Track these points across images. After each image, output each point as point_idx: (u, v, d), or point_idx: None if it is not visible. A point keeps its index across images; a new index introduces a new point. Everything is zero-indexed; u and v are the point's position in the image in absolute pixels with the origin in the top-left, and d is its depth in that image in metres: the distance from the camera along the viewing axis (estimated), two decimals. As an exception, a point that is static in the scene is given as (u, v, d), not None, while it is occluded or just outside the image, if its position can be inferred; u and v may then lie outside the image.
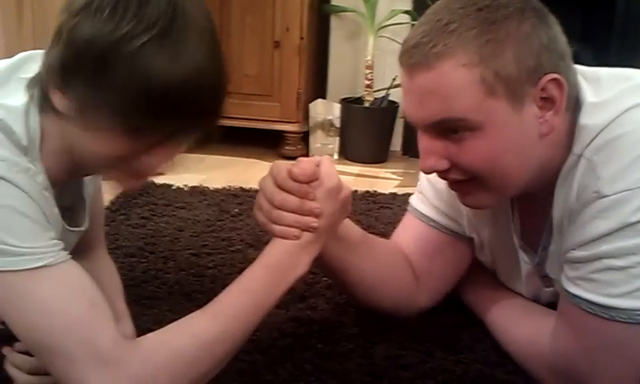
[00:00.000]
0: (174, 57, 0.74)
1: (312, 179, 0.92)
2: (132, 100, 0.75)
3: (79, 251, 1.08)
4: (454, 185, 0.96)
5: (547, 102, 0.87)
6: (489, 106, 0.85)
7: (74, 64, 0.76)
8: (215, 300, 0.88)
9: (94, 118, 0.78)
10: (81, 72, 0.76)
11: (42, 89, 0.82)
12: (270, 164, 0.96)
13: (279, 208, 0.91)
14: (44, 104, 0.82)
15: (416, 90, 0.89)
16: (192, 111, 0.78)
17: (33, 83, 0.83)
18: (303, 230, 0.91)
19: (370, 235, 1.15)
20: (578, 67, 0.94)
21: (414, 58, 0.87)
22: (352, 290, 1.15)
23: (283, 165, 0.93)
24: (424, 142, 0.91)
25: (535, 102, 0.87)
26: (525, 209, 1.03)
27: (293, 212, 0.91)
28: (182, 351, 0.82)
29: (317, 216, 0.92)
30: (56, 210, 0.86)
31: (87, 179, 1.01)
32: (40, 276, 0.78)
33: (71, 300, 0.79)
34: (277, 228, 0.91)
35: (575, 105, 0.90)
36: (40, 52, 0.84)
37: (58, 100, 0.79)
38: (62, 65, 0.77)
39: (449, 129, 0.88)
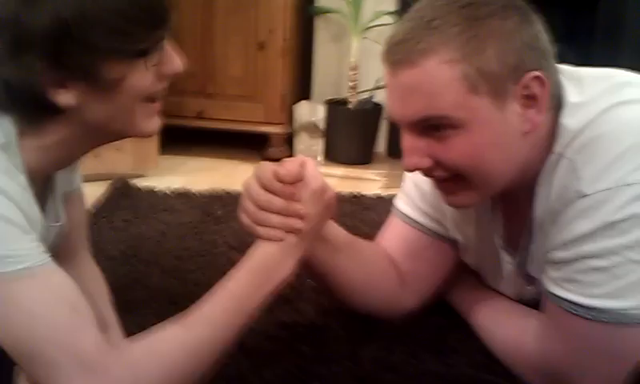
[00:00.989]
0: None
1: (297, 180, 0.91)
2: (119, 30, 0.78)
3: (63, 256, 1.06)
4: (437, 183, 0.96)
5: (529, 99, 0.87)
6: (471, 103, 0.85)
7: (61, 50, 0.76)
8: (199, 304, 0.87)
9: (106, 76, 0.79)
10: (72, 50, 0.76)
11: (20, 103, 0.80)
12: (255, 166, 0.95)
13: (264, 209, 0.90)
14: (31, 114, 0.81)
15: (399, 88, 0.88)
16: (156, 8, 0.81)
17: None
18: (288, 231, 0.91)
19: (355, 237, 1.15)
20: (561, 67, 0.94)
21: (397, 55, 0.87)
22: (338, 293, 1.14)
23: (268, 166, 0.92)
24: (407, 140, 0.91)
25: (517, 99, 0.87)
26: (506, 208, 1.03)
27: (278, 213, 0.90)
28: (166, 357, 0.81)
29: (301, 218, 0.91)
30: (36, 209, 0.85)
31: (61, 177, 0.99)
32: (21, 279, 0.76)
33: (53, 305, 0.78)
34: (261, 230, 0.90)
35: (557, 104, 0.90)
36: None
37: (62, 97, 0.79)
38: (50, 61, 0.77)
39: (432, 126, 0.88)
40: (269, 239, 0.90)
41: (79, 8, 0.76)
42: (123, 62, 0.79)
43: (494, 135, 0.87)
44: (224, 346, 0.86)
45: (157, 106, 0.87)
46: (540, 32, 0.89)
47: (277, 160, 0.96)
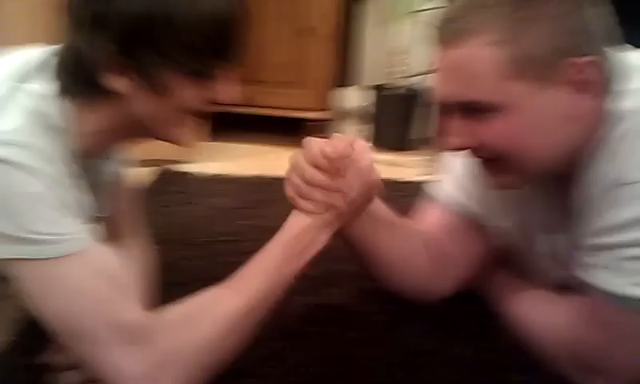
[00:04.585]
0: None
1: (343, 156, 0.92)
2: (194, 48, 0.81)
3: (114, 238, 1.10)
4: (480, 164, 0.95)
5: (577, 84, 0.85)
6: (512, 87, 0.84)
7: (136, 41, 0.80)
8: (236, 277, 0.90)
9: (162, 80, 0.82)
10: (144, 46, 0.80)
11: (81, 77, 0.84)
12: (303, 140, 0.96)
13: (308, 183, 0.92)
14: (86, 92, 0.85)
15: (444, 67, 0.89)
16: (234, 41, 0.85)
17: (61, 73, 0.86)
18: (328, 207, 0.92)
19: (398, 217, 1.15)
20: (623, 53, 0.91)
21: (444, 33, 0.88)
22: (376, 271, 1.15)
23: (316, 142, 0.93)
24: (449, 120, 0.91)
25: (564, 84, 0.85)
26: (551, 189, 1.01)
27: (321, 188, 0.92)
28: (206, 328, 0.84)
29: (344, 195, 0.92)
30: (83, 195, 0.88)
31: (100, 166, 1.03)
32: (66, 259, 0.80)
33: (97, 281, 0.81)
34: (303, 203, 0.93)
35: (610, 89, 0.88)
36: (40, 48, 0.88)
37: (117, 82, 0.83)
38: (121, 47, 0.80)
39: (473, 109, 0.87)
40: (308, 212, 0.92)
41: (168, 12, 0.79)
42: (182, 76, 0.82)
43: (536, 120, 0.86)
44: (259, 315, 0.89)
45: (196, 120, 0.89)
46: (597, 15, 0.86)
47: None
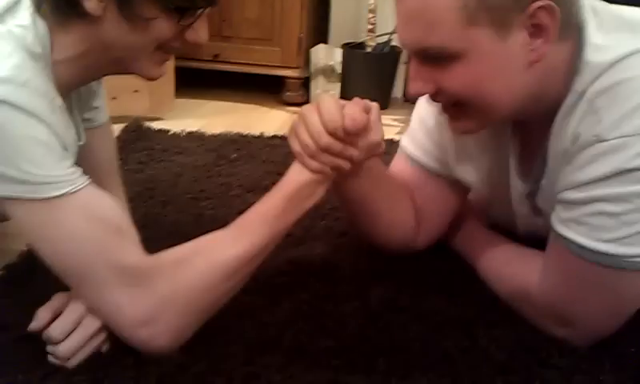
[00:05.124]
0: None
1: (362, 133, 0.93)
2: None
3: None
4: (443, 109, 0.96)
5: (536, 29, 0.84)
6: (470, 33, 0.84)
7: None
8: (236, 224, 0.91)
9: (139, 9, 0.81)
10: None
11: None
12: (321, 96, 0.94)
13: (321, 149, 0.92)
14: (62, 12, 0.84)
15: (403, 14, 0.88)
16: None
17: None
18: (334, 168, 0.93)
19: (387, 171, 1.16)
20: (592, 1, 0.91)
21: None
22: (364, 222, 1.15)
23: (335, 108, 0.91)
24: (412, 66, 0.91)
25: (523, 29, 0.84)
26: (523, 137, 1.02)
27: (332, 153, 0.92)
28: (205, 275, 0.85)
29: (352, 160, 0.94)
30: (72, 131, 0.88)
31: (78, 102, 1.01)
32: (64, 202, 0.79)
33: (95, 225, 0.81)
34: (310, 162, 0.93)
35: (578, 37, 0.88)
36: None
37: (92, 3, 0.81)
38: None
39: (432, 55, 0.87)
40: (314, 172, 0.93)
41: None
42: (159, 8, 0.82)
43: (495, 65, 0.86)
44: (255, 264, 0.90)
45: (167, 56, 0.90)
46: None
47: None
